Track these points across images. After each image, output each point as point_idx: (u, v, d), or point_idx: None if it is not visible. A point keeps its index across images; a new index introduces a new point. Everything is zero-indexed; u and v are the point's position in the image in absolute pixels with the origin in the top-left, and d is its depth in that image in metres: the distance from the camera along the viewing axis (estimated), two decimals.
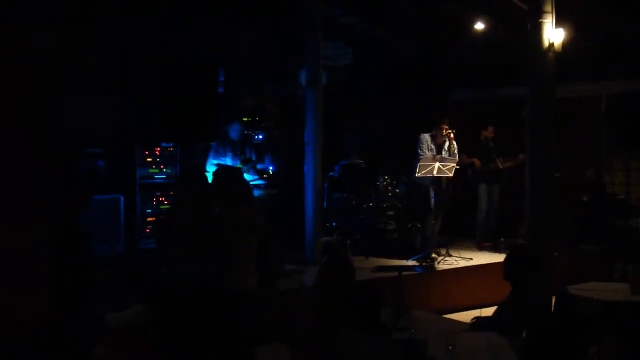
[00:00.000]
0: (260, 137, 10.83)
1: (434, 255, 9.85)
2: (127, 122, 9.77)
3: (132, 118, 9.81)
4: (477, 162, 11.11)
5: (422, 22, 11.33)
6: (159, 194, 9.63)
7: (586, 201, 11.21)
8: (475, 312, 6.67)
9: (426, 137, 10.07)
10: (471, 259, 9.98)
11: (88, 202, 8.48)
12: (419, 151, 9.95)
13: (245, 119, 10.72)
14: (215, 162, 9.16)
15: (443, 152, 10.01)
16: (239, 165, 9.25)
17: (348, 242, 9.91)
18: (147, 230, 9.51)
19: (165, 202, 9.60)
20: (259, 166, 9.72)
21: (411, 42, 12.36)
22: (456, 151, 10.01)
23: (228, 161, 9.20)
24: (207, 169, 9.13)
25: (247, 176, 9.23)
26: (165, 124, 10.15)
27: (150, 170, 9.65)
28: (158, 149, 9.72)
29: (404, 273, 8.82)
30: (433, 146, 10.05)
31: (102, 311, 5.60)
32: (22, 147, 4.72)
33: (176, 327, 5.13)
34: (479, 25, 10.40)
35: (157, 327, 5.26)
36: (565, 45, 7.90)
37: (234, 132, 9.51)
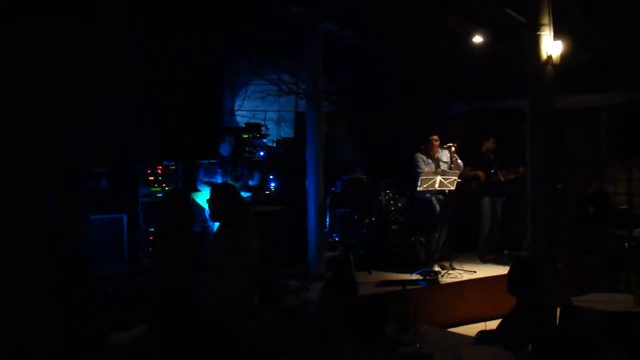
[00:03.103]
0: (262, 153, 10.85)
1: (437, 268, 9.85)
2: (129, 140, 9.78)
3: (134, 137, 9.82)
4: (481, 174, 11.13)
5: (422, 36, 11.36)
6: None
7: (589, 212, 11.21)
8: (480, 326, 6.67)
9: (419, 156, 10.23)
10: (475, 272, 9.98)
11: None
12: (418, 170, 10.03)
13: (245, 136, 10.74)
14: (206, 179, 9.16)
15: (443, 165, 10.06)
16: (229, 182, 9.26)
17: (352, 257, 9.90)
18: (150, 249, 9.51)
19: None
20: (251, 182, 9.72)
21: (411, 56, 12.40)
22: (459, 162, 10.07)
23: (218, 179, 9.20)
24: (198, 187, 9.13)
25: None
26: (167, 143, 10.16)
27: (153, 189, 9.65)
28: (160, 167, 9.73)
29: (408, 287, 8.83)
30: (430, 160, 10.12)
31: (107, 331, 5.61)
32: (21, 169, 4.74)
33: (178, 347, 5.13)
34: (477, 39, 10.42)
35: (161, 347, 5.26)
36: (564, 56, 7.92)
37: (225, 148, 9.53)
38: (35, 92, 4.84)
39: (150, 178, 9.68)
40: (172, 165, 9.83)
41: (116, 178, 9.60)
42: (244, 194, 9.43)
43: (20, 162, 4.76)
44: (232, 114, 11.58)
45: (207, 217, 7.39)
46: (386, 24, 11.14)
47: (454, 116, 13.47)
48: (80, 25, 8.10)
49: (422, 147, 10.30)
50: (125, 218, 9.37)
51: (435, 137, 10.24)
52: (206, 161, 9.42)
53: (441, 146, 10.29)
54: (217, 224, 5.93)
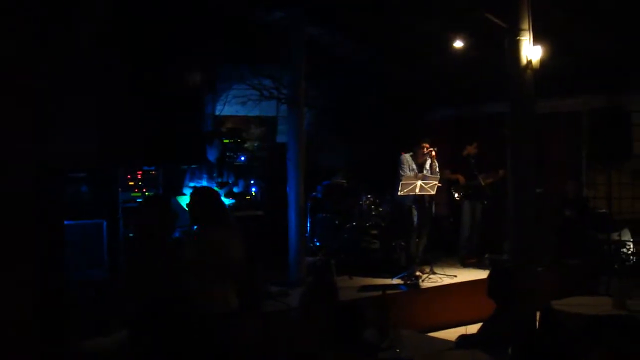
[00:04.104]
0: (243, 158, 10.82)
1: (418, 273, 9.84)
2: (109, 145, 9.72)
3: (114, 141, 9.77)
4: (461, 178, 11.16)
5: (402, 42, 11.39)
6: None
7: (569, 216, 11.28)
8: (461, 330, 6.68)
9: (407, 157, 10.09)
10: (455, 276, 9.99)
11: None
12: (401, 172, 9.97)
13: (226, 141, 10.72)
14: (192, 184, 9.16)
15: (424, 171, 10.05)
16: (215, 188, 9.25)
17: (332, 262, 9.90)
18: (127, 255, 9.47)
19: None
20: (235, 189, 9.71)
21: (391, 61, 12.42)
22: (437, 169, 10.06)
23: (204, 183, 9.19)
24: (184, 191, 9.11)
25: (224, 200, 9.24)
26: (147, 147, 10.11)
27: (133, 194, 9.60)
28: (140, 172, 9.69)
29: (388, 292, 8.82)
30: (414, 166, 10.07)
31: (85, 337, 5.57)
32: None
33: (158, 353, 5.10)
34: (458, 44, 10.45)
35: (139, 353, 5.23)
36: (543, 61, 7.96)
37: (212, 153, 9.52)
38: (17, 97, 4.82)
39: (131, 183, 9.64)
40: (152, 171, 9.79)
41: (96, 183, 9.55)
42: (228, 201, 9.41)
43: (3, 167, 4.73)
44: (213, 119, 11.56)
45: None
46: (370, 29, 11.16)
47: (436, 121, 13.52)
48: (60, 29, 8.05)
49: (412, 153, 10.18)
50: (105, 223, 9.32)
51: (427, 143, 10.12)
52: (193, 166, 9.40)
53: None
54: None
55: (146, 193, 9.56)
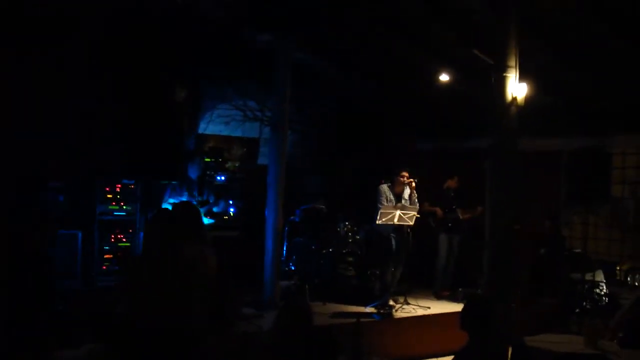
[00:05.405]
0: (222, 178, 10.80)
1: (392, 302, 9.84)
2: (89, 157, 9.69)
3: (94, 153, 9.74)
4: (439, 211, 11.20)
5: (388, 73, 11.45)
6: (117, 230, 9.55)
7: (544, 254, 11.32)
8: None
9: (384, 188, 10.13)
10: (429, 307, 9.99)
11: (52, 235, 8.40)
12: (378, 203, 9.99)
13: (207, 160, 10.70)
14: (172, 200, 9.14)
15: (403, 201, 10.07)
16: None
17: (307, 287, 9.87)
18: (104, 268, 9.40)
19: (124, 240, 9.52)
20: (215, 209, 9.70)
21: (375, 92, 12.49)
22: (417, 200, 10.09)
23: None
24: (163, 207, 9.10)
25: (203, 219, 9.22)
26: (127, 161, 10.08)
27: (110, 207, 9.57)
28: (119, 185, 9.66)
29: (361, 320, 8.80)
30: (392, 197, 10.10)
31: (56, 348, 5.50)
32: None
33: None
34: (444, 77, 10.52)
35: None
36: (527, 100, 8.02)
37: (193, 171, 9.51)
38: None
39: (109, 196, 9.61)
40: (131, 185, 9.76)
41: (73, 193, 9.50)
42: (207, 220, 9.38)
43: None
44: (196, 137, 11.56)
45: None
46: (357, 59, 11.22)
47: (418, 153, 13.57)
48: (46, 47, 8.05)
49: (390, 183, 10.20)
50: (80, 234, 9.26)
51: (406, 173, 10.17)
52: (174, 182, 9.39)
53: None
54: None
55: (124, 207, 9.52)
